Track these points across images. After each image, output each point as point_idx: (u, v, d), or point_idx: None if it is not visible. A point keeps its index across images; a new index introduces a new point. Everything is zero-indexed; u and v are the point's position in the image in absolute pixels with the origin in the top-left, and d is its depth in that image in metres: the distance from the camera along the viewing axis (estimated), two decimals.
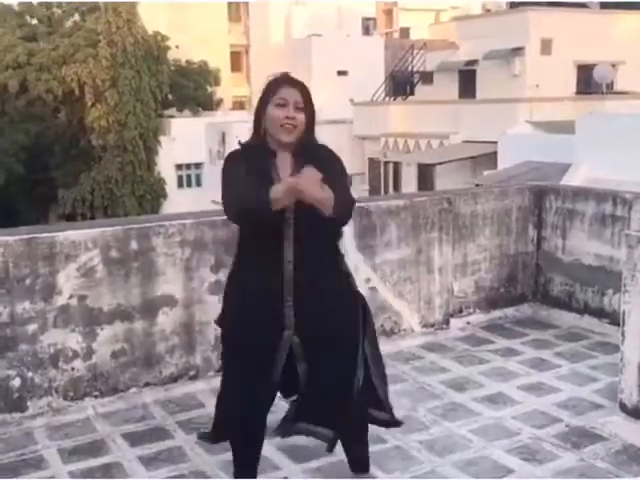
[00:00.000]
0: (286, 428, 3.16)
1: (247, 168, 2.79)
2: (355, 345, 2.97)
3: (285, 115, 2.80)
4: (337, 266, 2.97)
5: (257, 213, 2.66)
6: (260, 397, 2.95)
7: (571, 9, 23.72)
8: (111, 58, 29.39)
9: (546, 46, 23.36)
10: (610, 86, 22.45)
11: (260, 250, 2.83)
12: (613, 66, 22.58)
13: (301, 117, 2.82)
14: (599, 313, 5.43)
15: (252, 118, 2.93)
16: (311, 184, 2.58)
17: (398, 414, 3.98)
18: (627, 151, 12.74)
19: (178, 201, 28.57)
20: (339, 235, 3.10)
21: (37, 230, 4.10)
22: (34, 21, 32.70)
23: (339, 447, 3.19)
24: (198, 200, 24.37)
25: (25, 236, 3.88)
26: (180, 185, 31.45)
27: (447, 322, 5.41)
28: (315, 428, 3.11)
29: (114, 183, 29.84)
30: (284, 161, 2.85)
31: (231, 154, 2.92)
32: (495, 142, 17.98)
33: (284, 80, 2.87)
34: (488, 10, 31.53)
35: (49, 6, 32.70)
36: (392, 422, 3.27)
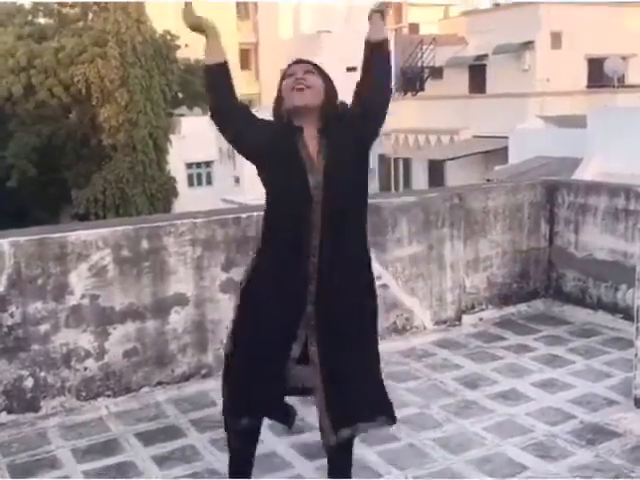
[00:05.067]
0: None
1: (272, 138, 2.74)
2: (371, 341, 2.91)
3: (295, 78, 2.76)
4: (365, 265, 2.93)
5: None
6: (280, 368, 2.85)
7: (581, 2, 23.58)
8: (120, 57, 29.41)
9: (556, 40, 23.25)
10: (621, 79, 22.31)
11: (285, 236, 2.73)
12: (624, 59, 22.44)
13: (313, 79, 2.76)
14: (613, 308, 5.39)
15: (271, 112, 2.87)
16: None
17: (410, 411, 4.01)
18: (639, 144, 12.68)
19: (189, 200, 28.56)
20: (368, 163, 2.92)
21: (48, 230, 4.11)
22: (39, 20, 32.51)
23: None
24: (209, 199, 24.42)
25: (36, 236, 3.89)
26: (191, 184, 31.46)
27: (459, 319, 5.39)
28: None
29: (125, 182, 29.84)
30: (311, 138, 2.75)
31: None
32: (506, 137, 17.94)
33: (294, 60, 2.86)
34: (497, 4, 31.38)
35: (61, 5, 32.59)
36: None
